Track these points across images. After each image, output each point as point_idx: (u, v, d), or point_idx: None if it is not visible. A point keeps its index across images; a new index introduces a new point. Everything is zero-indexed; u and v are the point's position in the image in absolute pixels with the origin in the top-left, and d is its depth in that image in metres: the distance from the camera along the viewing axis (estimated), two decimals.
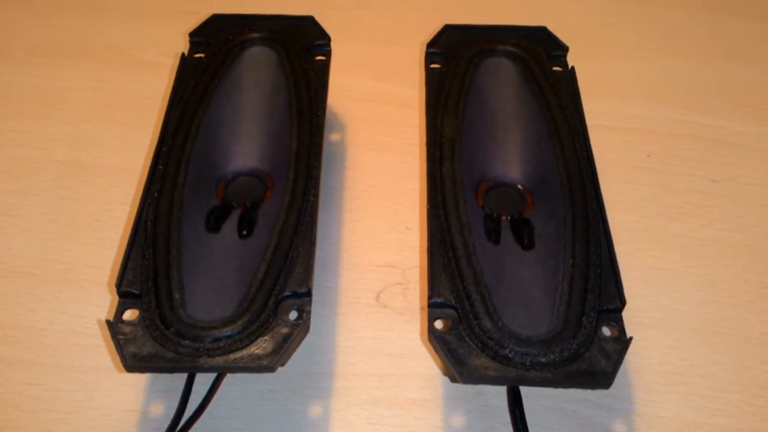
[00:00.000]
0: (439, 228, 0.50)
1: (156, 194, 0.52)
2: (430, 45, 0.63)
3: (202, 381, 0.49)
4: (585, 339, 0.44)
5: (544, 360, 0.44)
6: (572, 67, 0.62)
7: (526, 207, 0.56)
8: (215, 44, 0.63)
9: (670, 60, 0.79)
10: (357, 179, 0.67)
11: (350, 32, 0.79)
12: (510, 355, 0.44)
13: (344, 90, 0.75)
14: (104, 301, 0.57)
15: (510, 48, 0.63)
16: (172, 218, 0.51)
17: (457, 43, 0.63)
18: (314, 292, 0.57)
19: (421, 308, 0.58)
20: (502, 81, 0.62)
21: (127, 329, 0.45)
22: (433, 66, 0.62)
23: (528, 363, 0.44)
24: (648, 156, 0.70)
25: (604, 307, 0.46)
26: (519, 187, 0.58)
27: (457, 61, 0.62)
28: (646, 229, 0.63)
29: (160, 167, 0.54)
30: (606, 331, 0.46)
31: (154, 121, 0.71)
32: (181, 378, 0.49)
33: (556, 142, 0.56)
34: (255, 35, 0.63)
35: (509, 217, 0.55)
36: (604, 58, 0.79)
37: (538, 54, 0.62)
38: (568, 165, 0.54)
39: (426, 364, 0.55)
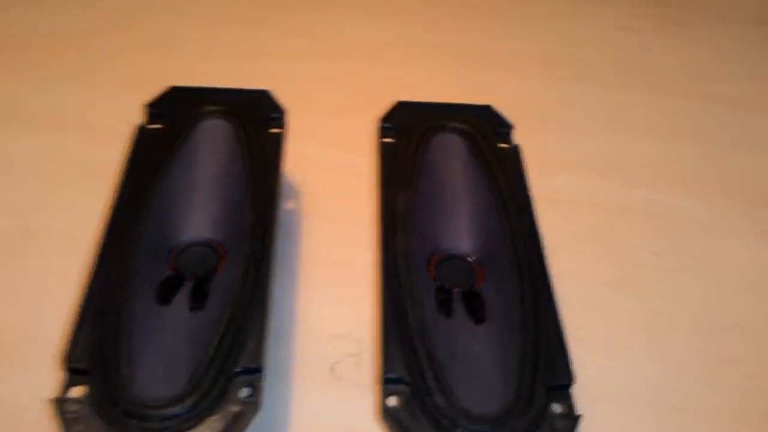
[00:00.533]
0: (392, 301, 0.51)
1: (107, 265, 0.51)
2: (383, 120, 0.65)
3: None
4: (536, 416, 0.45)
5: None
6: (517, 145, 0.64)
7: (477, 280, 0.57)
8: (172, 115, 0.63)
9: (613, 137, 0.82)
10: (311, 248, 0.68)
11: (306, 104, 0.79)
12: None
13: (300, 159, 0.75)
14: (47, 377, 0.55)
15: (458, 125, 0.65)
16: (123, 291, 0.50)
17: (409, 119, 0.65)
18: (267, 363, 0.57)
19: (375, 382, 0.58)
20: (451, 156, 0.63)
21: (73, 407, 0.44)
22: (386, 140, 0.64)
23: None
24: (593, 228, 0.72)
25: (554, 384, 0.47)
26: (470, 260, 0.59)
27: (409, 136, 0.63)
28: (594, 301, 0.65)
29: (112, 237, 0.53)
30: (556, 407, 0.46)
31: (108, 188, 0.70)
32: None
33: (503, 217, 0.57)
34: (211, 108, 0.64)
35: (461, 290, 0.56)
36: (550, 134, 0.81)
37: (485, 131, 0.64)
38: (515, 239, 0.55)
39: None
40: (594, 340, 0.62)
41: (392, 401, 0.46)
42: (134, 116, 0.75)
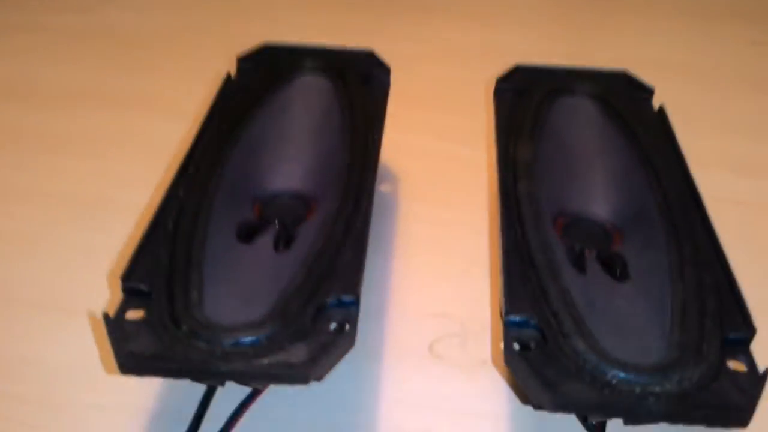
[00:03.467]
0: (515, 244, 0.42)
1: (182, 194, 0.45)
2: (500, 80, 0.58)
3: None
4: (708, 369, 0.34)
5: (658, 390, 0.33)
6: (661, 106, 0.55)
7: (614, 243, 0.48)
8: (265, 70, 0.58)
9: (751, 139, 0.73)
10: (410, 228, 0.60)
11: (405, 99, 0.74)
12: (613, 382, 0.34)
13: (400, 147, 0.69)
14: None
15: (588, 88, 0.57)
16: (199, 219, 0.43)
17: (530, 83, 0.58)
18: (357, 339, 0.49)
19: (482, 362, 0.48)
20: (580, 119, 0.55)
21: (128, 327, 0.36)
22: (504, 98, 0.56)
23: (638, 392, 0.33)
24: (736, 225, 0.61)
25: (729, 336, 0.36)
26: (604, 223, 0.49)
27: (530, 96, 0.56)
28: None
29: (192, 168, 0.47)
30: (731, 364, 0.35)
31: (169, 163, 0.65)
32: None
33: (650, 174, 0.48)
34: (309, 63, 0.58)
35: (596, 252, 0.46)
36: (685, 134, 0.73)
37: (620, 94, 0.56)
38: (666, 194, 0.46)
39: (491, 426, 0.44)
40: None
41: (520, 346, 0.36)
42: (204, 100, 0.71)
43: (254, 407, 0.43)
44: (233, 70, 0.59)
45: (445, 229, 0.60)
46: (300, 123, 0.55)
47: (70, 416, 0.44)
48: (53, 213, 0.60)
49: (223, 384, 0.39)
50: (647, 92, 0.57)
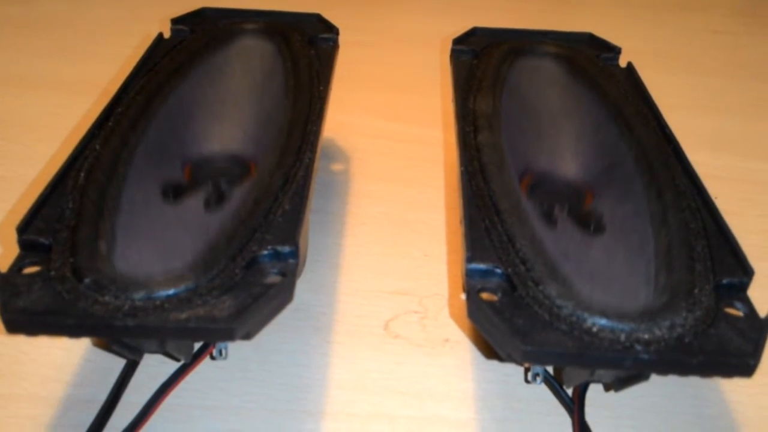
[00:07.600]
0: (478, 193, 0.37)
1: (98, 147, 0.39)
2: (456, 41, 0.53)
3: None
4: (703, 314, 0.30)
5: (647, 337, 0.28)
6: (629, 63, 0.52)
7: (586, 200, 0.43)
8: (201, 31, 0.53)
9: (719, 116, 0.72)
10: (362, 206, 0.55)
11: (354, 81, 0.70)
12: (594, 330, 0.29)
13: (352, 128, 0.65)
14: None
15: (551, 49, 0.53)
16: (116, 172, 0.37)
17: (488, 44, 0.54)
18: (302, 317, 0.43)
19: (444, 340, 0.43)
20: (543, 78, 0.51)
21: (20, 281, 0.30)
22: (461, 59, 0.52)
23: (623, 340, 0.28)
24: (716, 198, 0.58)
25: (723, 281, 0.32)
26: (574, 181, 0.45)
27: (489, 56, 0.51)
28: None
29: (111, 124, 0.41)
30: (729, 311, 0.31)
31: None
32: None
33: (622, 127, 0.44)
34: (250, 26, 0.53)
35: (566, 208, 0.42)
36: None
37: (585, 53, 0.53)
38: (641, 142, 0.42)
39: (454, 407, 0.39)
40: None
41: (485, 296, 0.31)
42: None
43: (181, 390, 0.37)
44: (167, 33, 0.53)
45: (400, 207, 0.55)
46: (239, 84, 0.50)
47: None
48: None
49: (139, 355, 0.33)
50: (614, 51, 0.53)
